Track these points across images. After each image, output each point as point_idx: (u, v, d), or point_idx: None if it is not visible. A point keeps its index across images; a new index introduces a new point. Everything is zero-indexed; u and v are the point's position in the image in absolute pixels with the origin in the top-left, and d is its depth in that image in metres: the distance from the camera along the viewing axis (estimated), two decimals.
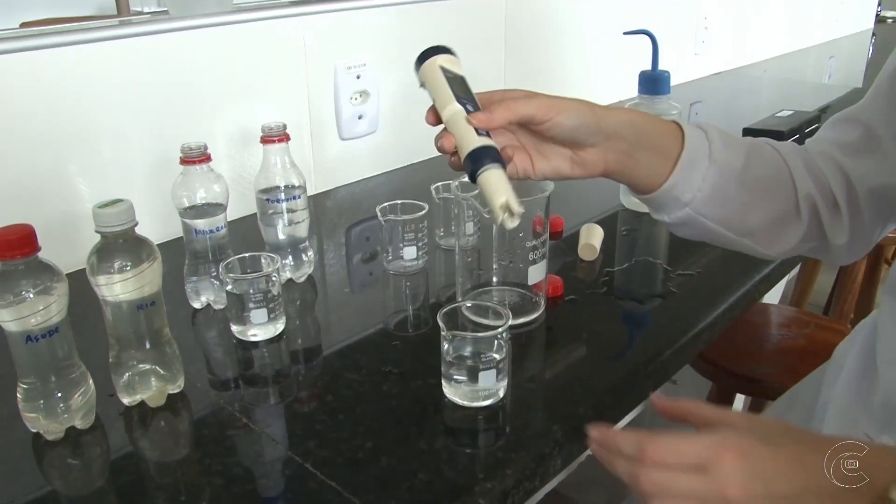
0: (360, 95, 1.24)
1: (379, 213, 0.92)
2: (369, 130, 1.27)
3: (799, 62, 2.50)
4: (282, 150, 0.87)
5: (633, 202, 1.13)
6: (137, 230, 0.66)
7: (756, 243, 0.71)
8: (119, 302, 0.65)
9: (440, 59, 0.63)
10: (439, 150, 0.61)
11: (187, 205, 0.82)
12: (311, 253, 0.93)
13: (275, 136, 0.86)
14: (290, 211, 0.88)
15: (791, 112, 1.45)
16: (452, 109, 0.60)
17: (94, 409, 0.67)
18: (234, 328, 0.79)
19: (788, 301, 1.71)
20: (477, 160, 0.58)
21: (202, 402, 0.71)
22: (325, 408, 0.69)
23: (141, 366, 0.68)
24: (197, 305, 0.86)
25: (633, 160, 0.66)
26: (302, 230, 0.90)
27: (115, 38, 0.97)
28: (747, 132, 1.38)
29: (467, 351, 0.68)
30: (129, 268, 0.64)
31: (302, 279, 0.92)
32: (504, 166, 0.58)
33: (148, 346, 0.68)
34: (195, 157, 0.81)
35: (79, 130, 0.95)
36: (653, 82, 1.05)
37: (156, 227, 1.00)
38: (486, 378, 0.66)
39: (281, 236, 0.90)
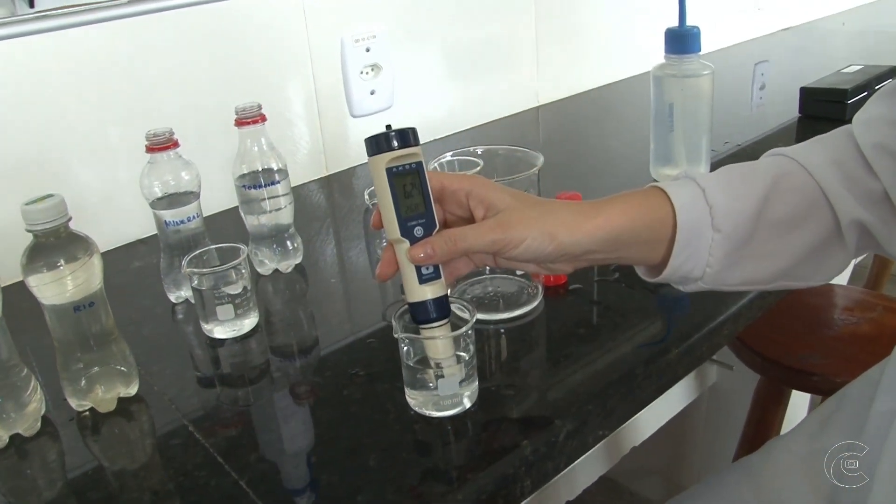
0: (371, 69, 1.17)
1: (367, 197, 0.85)
2: (384, 106, 1.20)
3: (887, 11, 2.25)
4: (258, 132, 0.82)
5: (664, 175, 1.02)
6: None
7: (792, 280, 0.61)
8: (53, 305, 0.61)
9: (387, 159, 0.54)
10: (378, 279, 0.58)
11: (159, 195, 0.78)
12: (298, 241, 0.87)
13: (249, 117, 0.80)
14: (270, 197, 0.83)
15: (860, 67, 1.29)
16: (395, 237, 0.55)
17: (40, 415, 0.64)
18: (203, 325, 0.74)
19: (864, 282, 1.55)
20: (416, 314, 0.57)
21: (155, 406, 0.66)
22: (279, 415, 0.64)
23: (88, 370, 0.64)
24: (174, 300, 0.82)
25: (616, 259, 0.59)
26: (285, 217, 0.85)
27: (119, 18, 0.93)
28: (805, 92, 1.23)
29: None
30: (60, 267, 0.60)
31: (289, 269, 0.87)
32: (447, 315, 0.57)
33: (93, 349, 0.64)
34: (161, 143, 0.76)
35: (80, 116, 0.92)
36: (680, 40, 0.93)
37: None
38: (447, 385, 0.59)
39: (263, 225, 0.84)
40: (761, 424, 1.12)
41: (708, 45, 0.96)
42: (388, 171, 0.54)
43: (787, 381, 1.06)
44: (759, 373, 1.09)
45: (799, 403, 1.37)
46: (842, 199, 0.58)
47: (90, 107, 0.93)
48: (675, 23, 0.94)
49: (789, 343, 1.07)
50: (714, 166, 1.02)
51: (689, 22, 0.94)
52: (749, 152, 1.15)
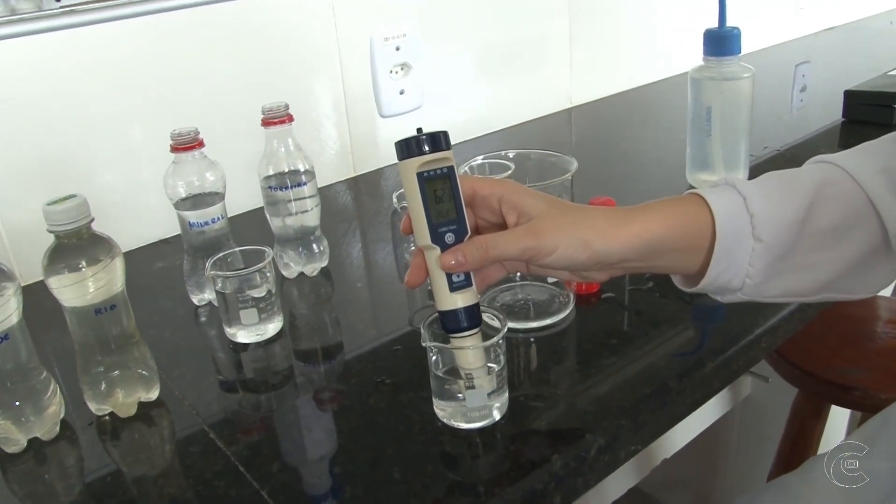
0: (401, 68, 1.15)
1: (395, 200, 0.83)
2: (413, 106, 1.18)
3: None
4: (285, 132, 0.80)
5: (700, 180, 0.99)
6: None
7: (836, 292, 0.58)
8: (74, 307, 0.60)
9: (417, 163, 0.52)
10: (407, 286, 0.57)
11: (183, 195, 0.77)
12: (324, 244, 0.85)
13: (276, 117, 0.79)
14: (296, 199, 0.81)
15: None
16: (425, 244, 0.53)
17: (60, 419, 0.63)
18: (226, 329, 0.73)
19: None
20: (446, 323, 0.55)
21: (176, 412, 0.65)
22: (302, 423, 0.62)
23: (108, 373, 0.63)
24: (197, 303, 0.80)
25: (652, 267, 0.57)
26: (311, 219, 0.83)
27: (145, 14, 0.92)
28: (849, 95, 1.19)
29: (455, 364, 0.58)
30: (81, 269, 0.59)
31: (314, 273, 0.85)
32: (478, 324, 0.55)
33: (114, 352, 0.63)
34: (186, 143, 0.75)
35: (104, 115, 0.91)
36: (719, 41, 0.90)
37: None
38: (476, 396, 0.56)
39: (288, 227, 0.83)
40: (799, 441, 1.08)
41: (746, 45, 0.93)
42: (419, 175, 0.52)
43: (827, 396, 1.02)
44: (796, 386, 1.05)
45: (838, 420, 1.32)
46: (891, 208, 0.55)
47: (114, 106, 0.92)
48: (713, 23, 0.91)
49: (829, 355, 1.03)
50: (753, 171, 0.98)
51: (729, 23, 0.91)
52: (788, 157, 1.11)
